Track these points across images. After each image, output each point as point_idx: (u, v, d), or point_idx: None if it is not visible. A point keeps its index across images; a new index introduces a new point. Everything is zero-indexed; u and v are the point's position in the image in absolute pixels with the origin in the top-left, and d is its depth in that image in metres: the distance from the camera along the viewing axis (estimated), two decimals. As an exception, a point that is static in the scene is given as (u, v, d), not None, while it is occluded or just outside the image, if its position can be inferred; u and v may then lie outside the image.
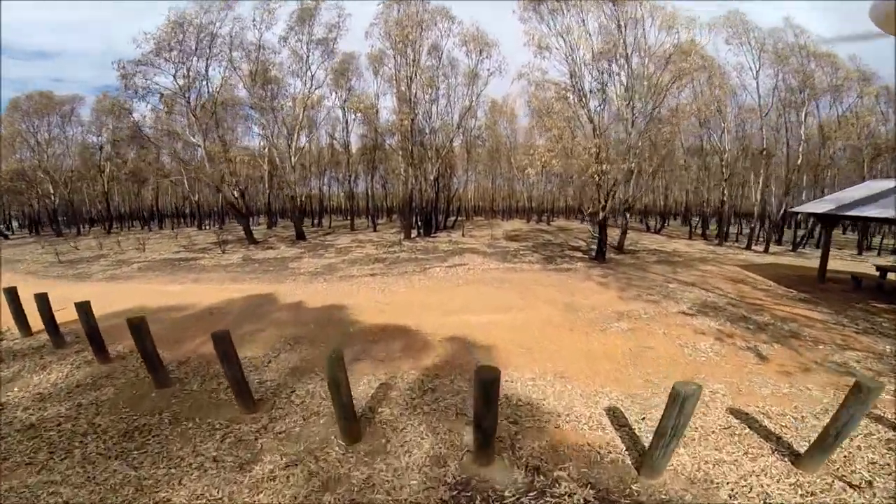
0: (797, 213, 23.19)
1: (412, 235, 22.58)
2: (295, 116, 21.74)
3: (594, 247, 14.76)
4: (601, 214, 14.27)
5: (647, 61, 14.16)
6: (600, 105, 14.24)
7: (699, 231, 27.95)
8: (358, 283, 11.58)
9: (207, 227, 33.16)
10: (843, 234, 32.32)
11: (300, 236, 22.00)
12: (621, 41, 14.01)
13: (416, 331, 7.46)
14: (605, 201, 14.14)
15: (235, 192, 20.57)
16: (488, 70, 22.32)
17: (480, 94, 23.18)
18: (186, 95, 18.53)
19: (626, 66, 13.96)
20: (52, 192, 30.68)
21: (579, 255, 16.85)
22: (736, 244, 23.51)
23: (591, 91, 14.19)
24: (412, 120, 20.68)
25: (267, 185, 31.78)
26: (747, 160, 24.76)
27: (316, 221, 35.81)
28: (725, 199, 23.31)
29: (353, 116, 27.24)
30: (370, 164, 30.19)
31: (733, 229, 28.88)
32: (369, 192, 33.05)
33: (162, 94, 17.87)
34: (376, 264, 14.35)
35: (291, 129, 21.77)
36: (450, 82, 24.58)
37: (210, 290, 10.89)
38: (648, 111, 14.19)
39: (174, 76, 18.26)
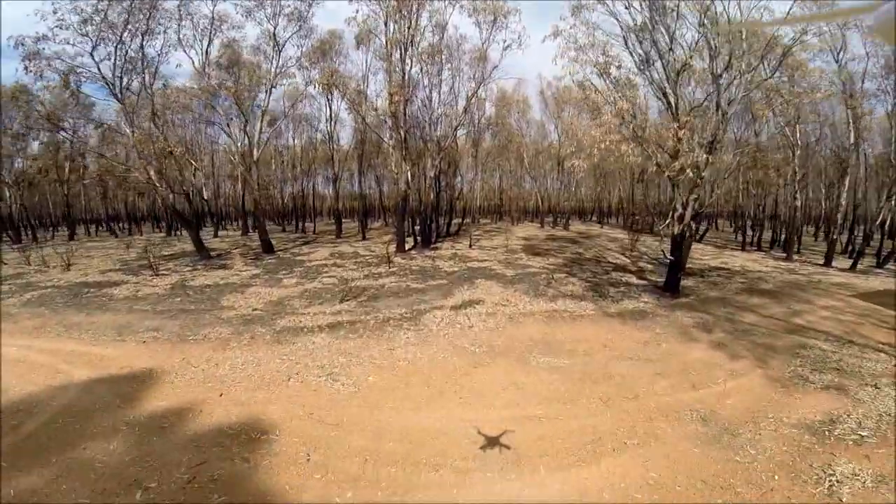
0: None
1: (407, 248, 18.08)
2: (254, 99, 17.24)
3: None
4: (678, 227, 9.76)
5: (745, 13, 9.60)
6: (677, 76, 9.69)
7: (747, 239, 23.40)
8: (303, 346, 6.94)
9: (177, 233, 28.76)
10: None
11: (267, 248, 17.49)
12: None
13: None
14: (685, 208, 9.64)
15: (169, 194, 15.92)
16: (503, 42, 17.76)
17: (493, 71, 18.49)
18: (108, 78, 14.04)
19: (718, 17, 9.37)
20: (8, 194, 26.51)
21: (633, 279, 12.35)
22: (802, 258, 19.05)
23: (662, 55, 9.69)
24: (406, 102, 16.12)
25: (241, 186, 27.48)
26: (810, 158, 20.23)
27: (300, 226, 31.30)
28: (799, 203, 18.78)
29: (337, 103, 22.82)
30: (359, 159, 25.77)
31: (767, 234, 24.38)
32: (361, 193, 28.46)
33: (64, 73, 13.29)
34: (345, 304, 9.70)
35: (254, 118, 17.26)
36: (454, 64, 20.11)
37: (64, 355, 6.43)
38: (745, 85, 9.64)
39: (91, 53, 13.77)
